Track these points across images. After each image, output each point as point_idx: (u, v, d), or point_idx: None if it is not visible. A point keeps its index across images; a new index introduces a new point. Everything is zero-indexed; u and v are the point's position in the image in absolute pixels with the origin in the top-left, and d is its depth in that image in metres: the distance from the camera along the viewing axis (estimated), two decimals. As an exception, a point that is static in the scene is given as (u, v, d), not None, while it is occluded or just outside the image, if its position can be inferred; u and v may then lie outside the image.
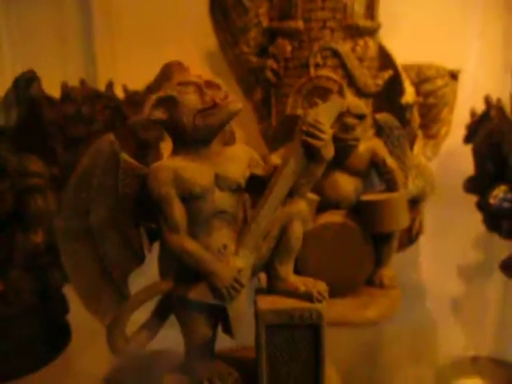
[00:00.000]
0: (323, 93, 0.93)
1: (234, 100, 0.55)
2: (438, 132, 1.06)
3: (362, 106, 0.80)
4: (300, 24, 0.98)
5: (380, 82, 0.99)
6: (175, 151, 0.57)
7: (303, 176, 0.57)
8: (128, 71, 1.24)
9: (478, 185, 1.06)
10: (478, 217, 1.09)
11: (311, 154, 0.56)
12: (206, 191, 0.55)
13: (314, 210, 0.79)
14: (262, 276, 0.62)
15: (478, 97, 1.11)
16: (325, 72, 0.96)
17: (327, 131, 0.56)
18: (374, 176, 0.85)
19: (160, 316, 0.60)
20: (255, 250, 0.57)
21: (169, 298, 0.59)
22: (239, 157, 0.58)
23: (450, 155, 1.17)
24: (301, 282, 0.58)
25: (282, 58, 1.00)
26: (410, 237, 1.02)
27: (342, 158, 0.81)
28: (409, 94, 0.98)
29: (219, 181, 0.56)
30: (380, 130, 0.85)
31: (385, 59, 1.03)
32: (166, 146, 0.56)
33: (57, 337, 0.75)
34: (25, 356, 0.71)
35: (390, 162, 0.80)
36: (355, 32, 0.98)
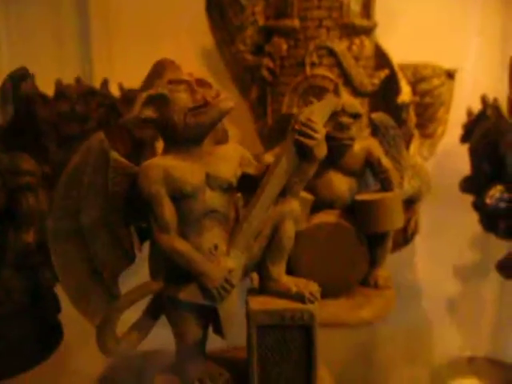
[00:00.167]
0: (319, 92, 0.93)
1: (226, 98, 0.54)
2: (434, 131, 1.05)
3: (357, 105, 0.79)
4: (296, 23, 0.98)
5: (376, 81, 0.99)
6: (166, 150, 0.56)
7: (295, 175, 0.57)
8: (124, 69, 1.24)
9: (474, 185, 1.06)
10: (474, 217, 1.09)
11: (304, 153, 0.56)
12: (196, 190, 0.54)
13: (308, 210, 0.78)
14: (255, 276, 0.61)
15: (476, 96, 1.10)
16: (321, 71, 0.95)
17: (320, 130, 0.56)
18: (369, 176, 0.85)
19: (151, 316, 0.60)
20: (246, 249, 0.56)
21: (160, 298, 0.58)
22: (231, 156, 0.57)
23: (447, 155, 1.17)
24: (293, 283, 0.58)
25: (277, 56, 1.00)
26: (406, 237, 1.01)
27: (336, 158, 0.80)
28: (405, 94, 0.98)
29: (210, 180, 0.55)
30: (375, 130, 0.84)
31: (381, 58, 1.03)
32: (162, 144, 0.56)
33: (49, 336, 0.74)
34: (16, 355, 0.70)
35: (385, 161, 0.80)
36: (351, 31, 0.98)
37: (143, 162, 0.56)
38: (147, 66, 1.03)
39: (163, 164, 0.54)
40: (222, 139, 0.59)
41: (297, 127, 0.55)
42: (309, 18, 0.97)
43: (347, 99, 0.79)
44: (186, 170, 0.54)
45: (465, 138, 1.09)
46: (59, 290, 0.73)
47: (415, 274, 1.08)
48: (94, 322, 0.58)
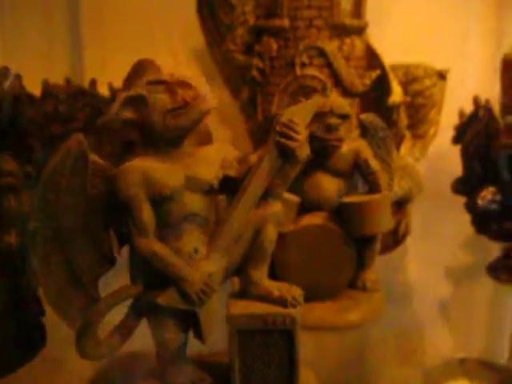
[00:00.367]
0: (309, 92, 0.92)
1: (205, 99, 0.53)
2: (426, 132, 1.05)
3: (346, 106, 0.78)
4: (286, 22, 0.97)
5: (367, 81, 0.98)
6: (146, 152, 0.55)
7: (278, 177, 0.56)
8: (116, 70, 1.23)
9: (466, 186, 1.05)
10: (467, 218, 1.08)
11: (285, 154, 0.55)
12: (175, 193, 0.54)
13: (294, 212, 0.77)
14: (236, 280, 0.61)
15: (469, 97, 1.09)
16: (311, 71, 0.95)
17: (302, 131, 0.55)
18: (359, 177, 0.84)
19: (132, 320, 0.59)
20: (227, 253, 0.56)
21: (140, 302, 0.57)
22: (212, 158, 0.56)
23: (439, 156, 1.16)
24: (275, 287, 0.57)
25: (267, 56, 0.99)
26: (396, 239, 1.00)
27: (324, 159, 0.80)
28: (396, 94, 0.97)
29: (190, 182, 0.54)
30: (365, 131, 0.83)
31: (372, 59, 1.02)
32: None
33: (32, 339, 0.74)
34: (-1, 358, 0.69)
35: (373, 163, 0.79)
36: (342, 31, 0.97)
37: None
38: None
39: (142, 166, 0.54)
40: (206, 140, 0.59)
41: (278, 129, 0.55)
42: (299, 18, 0.96)
43: (335, 100, 0.78)
44: (164, 172, 0.54)
45: (457, 139, 1.08)
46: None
47: (407, 276, 1.07)
48: (73, 327, 0.57)
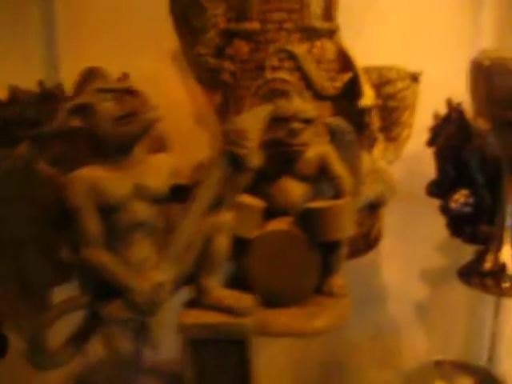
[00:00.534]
0: (279, 95, 0.91)
1: (154, 107, 0.53)
2: (399, 135, 1.04)
3: (310, 110, 0.77)
4: (256, 25, 0.96)
5: (338, 84, 0.97)
6: (94, 160, 0.55)
7: (229, 185, 0.56)
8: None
9: (440, 189, 1.04)
10: (442, 220, 1.08)
11: (235, 162, 0.55)
12: (123, 202, 0.53)
13: (259, 218, 0.77)
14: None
15: (444, 99, 1.09)
16: (281, 74, 0.94)
17: (251, 139, 0.54)
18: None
19: (86, 330, 0.59)
20: (177, 262, 0.55)
21: (91, 312, 0.57)
22: (162, 166, 0.56)
23: (416, 158, 1.16)
24: (226, 296, 0.57)
25: (238, 59, 0.99)
26: (369, 242, 1.00)
27: (290, 164, 0.79)
28: (367, 97, 0.96)
29: (138, 191, 0.54)
30: (332, 135, 0.83)
31: (345, 61, 1.01)
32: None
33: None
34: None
35: (338, 168, 0.78)
36: (312, 34, 0.96)
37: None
38: (114, 69, 1.02)
39: (89, 175, 0.53)
40: (160, 148, 0.58)
41: (227, 136, 0.54)
42: (269, 21, 0.96)
43: (299, 104, 0.78)
44: (112, 181, 0.53)
45: (431, 142, 1.07)
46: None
47: (383, 278, 1.07)
48: (24, 337, 0.57)
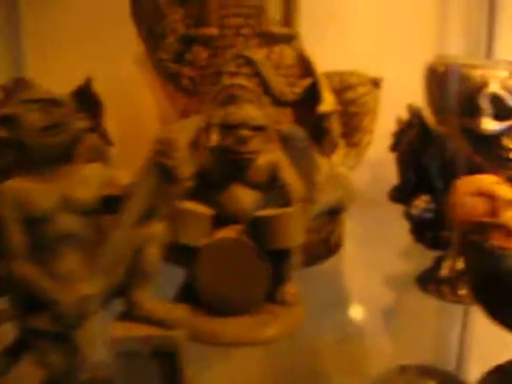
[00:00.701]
0: (238, 101, 0.90)
1: (80, 118, 0.52)
2: (360, 141, 1.03)
3: (260, 117, 0.77)
4: (214, 31, 0.96)
5: (298, 90, 0.97)
6: (21, 171, 0.54)
7: (160, 196, 0.55)
8: (56, 79, 1.22)
9: (402, 194, 1.04)
10: (407, 226, 1.08)
11: (165, 173, 0.54)
12: (49, 214, 0.52)
13: (207, 226, 0.76)
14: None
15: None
16: (239, 80, 0.93)
17: (181, 149, 0.54)
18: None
19: (19, 343, 0.58)
20: (106, 274, 0.54)
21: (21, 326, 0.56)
22: (93, 177, 0.55)
23: (380, 163, 1.15)
24: (157, 308, 0.56)
25: (197, 65, 0.98)
26: (329, 248, 0.99)
27: (240, 171, 0.79)
28: (327, 103, 0.96)
29: (66, 203, 0.53)
30: (284, 142, 0.82)
31: (306, 67, 1.01)
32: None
33: None
34: None
35: (287, 175, 0.78)
36: (270, 39, 0.96)
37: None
38: (79, 74, 1.01)
39: (16, 187, 0.53)
40: (95, 158, 0.58)
41: (156, 147, 0.54)
42: (226, 26, 0.95)
43: (249, 111, 0.77)
44: (38, 192, 0.53)
45: (394, 147, 1.07)
46: None
47: (348, 284, 1.07)
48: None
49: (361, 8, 1.26)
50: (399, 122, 1.07)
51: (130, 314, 0.57)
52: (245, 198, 0.79)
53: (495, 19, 1.25)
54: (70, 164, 0.55)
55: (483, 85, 0.81)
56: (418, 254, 1.08)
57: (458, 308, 0.88)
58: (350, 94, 1.02)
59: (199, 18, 0.97)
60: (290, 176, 0.77)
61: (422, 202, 0.99)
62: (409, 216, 1.03)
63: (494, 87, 0.81)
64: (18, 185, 0.53)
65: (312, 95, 0.99)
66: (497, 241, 0.54)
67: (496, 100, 0.81)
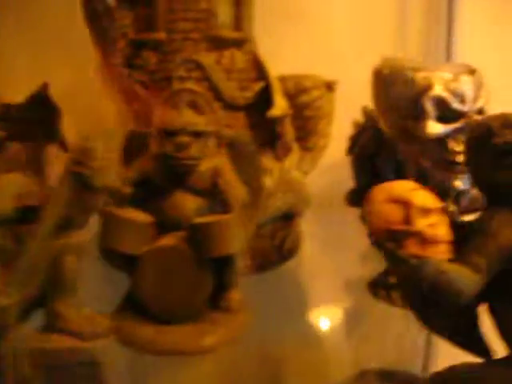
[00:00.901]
0: (188, 106, 0.90)
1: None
2: (315, 145, 1.03)
3: (200, 123, 0.76)
4: (162, 35, 0.95)
5: (249, 94, 0.96)
6: None
7: (77, 206, 0.54)
8: (13, 83, 1.21)
9: (358, 197, 1.03)
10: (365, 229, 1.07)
11: (82, 182, 0.53)
12: None
13: (147, 233, 0.75)
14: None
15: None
16: (189, 85, 0.92)
17: (99, 158, 0.53)
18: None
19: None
20: (23, 285, 0.53)
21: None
22: (9, 187, 0.54)
23: (337, 167, 1.15)
24: (78, 319, 0.55)
25: (147, 70, 0.97)
26: (282, 254, 0.99)
27: (182, 178, 0.78)
28: (278, 107, 0.95)
29: None
30: (230, 148, 0.81)
31: (259, 71, 1.00)
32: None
33: None
34: None
35: (227, 181, 0.77)
36: (220, 43, 0.95)
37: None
38: (36, 79, 1.00)
39: None
40: (14, 167, 0.57)
41: (72, 155, 0.53)
42: (175, 31, 0.94)
43: (189, 117, 0.77)
44: None
45: (350, 150, 1.07)
46: None
47: (308, 289, 1.06)
48: None
49: (316, 10, 1.25)
50: (355, 125, 1.07)
51: (50, 326, 0.56)
52: (187, 204, 0.78)
53: (454, 21, 1.25)
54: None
55: (427, 87, 0.81)
56: (377, 257, 1.08)
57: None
58: (304, 98, 1.01)
59: (148, 23, 0.97)
60: (229, 181, 0.77)
61: (375, 206, 0.98)
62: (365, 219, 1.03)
63: (438, 90, 0.80)
64: None
65: (265, 99, 0.98)
66: (412, 248, 0.53)
67: (440, 103, 0.81)
